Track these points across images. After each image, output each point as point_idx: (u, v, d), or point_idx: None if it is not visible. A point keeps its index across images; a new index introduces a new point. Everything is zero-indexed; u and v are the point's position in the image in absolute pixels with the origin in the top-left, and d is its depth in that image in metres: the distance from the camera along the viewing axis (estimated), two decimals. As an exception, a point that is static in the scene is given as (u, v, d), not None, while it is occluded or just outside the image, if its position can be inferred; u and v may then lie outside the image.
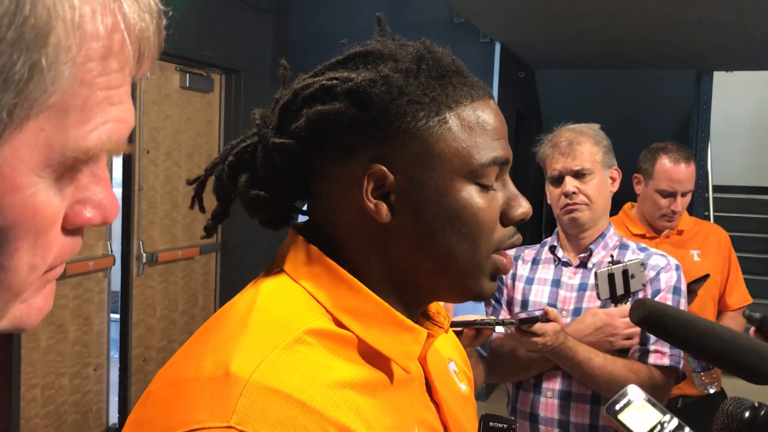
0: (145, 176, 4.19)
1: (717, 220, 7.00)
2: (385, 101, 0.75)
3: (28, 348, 3.43)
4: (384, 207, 0.77)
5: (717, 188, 7.44)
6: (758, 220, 7.68)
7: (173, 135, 4.41)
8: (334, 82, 0.76)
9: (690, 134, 6.92)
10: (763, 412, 0.88)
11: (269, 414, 0.65)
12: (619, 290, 1.80)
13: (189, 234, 4.60)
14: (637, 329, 1.81)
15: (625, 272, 1.79)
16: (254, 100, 4.87)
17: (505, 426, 1.01)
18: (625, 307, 1.81)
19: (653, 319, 0.93)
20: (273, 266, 0.83)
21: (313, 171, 0.80)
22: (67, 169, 0.43)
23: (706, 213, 6.98)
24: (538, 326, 1.68)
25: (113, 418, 4.18)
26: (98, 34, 0.42)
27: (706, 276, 2.52)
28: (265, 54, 5.13)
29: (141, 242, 4.19)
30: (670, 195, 2.59)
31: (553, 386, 1.88)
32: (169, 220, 4.44)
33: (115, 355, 4.22)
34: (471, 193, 0.78)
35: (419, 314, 0.87)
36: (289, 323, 0.73)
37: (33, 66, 0.39)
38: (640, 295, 1.85)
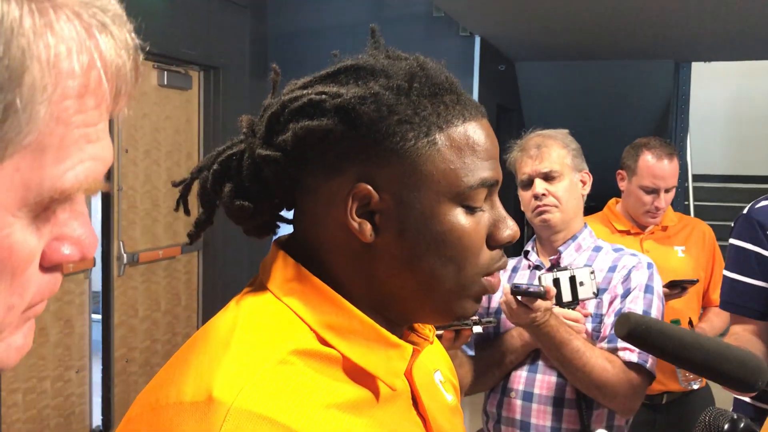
0: (124, 176, 4.15)
1: (696, 209, 7.07)
2: (374, 120, 0.73)
3: (8, 352, 3.38)
4: (368, 226, 0.75)
5: (696, 177, 7.50)
6: (736, 208, 7.74)
7: (152, 133, 4.36)
8: (323, 96, 0.74)
9: (669, 124, 6.96)
10: (742, 425, 0.89)
11: None
12: (566, 297, 1.79)
13: (170, 233, 4.56)
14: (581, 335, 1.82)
15: (572, 279, 1.78)
16: (233, 97, 4.84)
17: None
18: (569, 312, 1.80)
19: (638, 334, 0.93)
20: (255, 282, 0.82)
21: (299, 184, 0.78)
22: (44, 208, 0.42)
23: (686, 202, 7.03)
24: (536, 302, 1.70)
25: (96, 420, 4.16)
26: (74, 73, 0.41)
27: (695, 281, 2.54)
28: (244, 50, 5.09)
29: (121, 243, 4.15)
30: (654, 191, 2.60)
31: (517, 386, 1.88)
32: (149, 220, 4.39)
33: (97, 356, 4.18)
34: (458, 217, 0.76)
35: (404, 329, 0.85)
36: (272, 344, 0.72)
37: (7, 107, 0.38)
38: (591, 303, 1.84)
